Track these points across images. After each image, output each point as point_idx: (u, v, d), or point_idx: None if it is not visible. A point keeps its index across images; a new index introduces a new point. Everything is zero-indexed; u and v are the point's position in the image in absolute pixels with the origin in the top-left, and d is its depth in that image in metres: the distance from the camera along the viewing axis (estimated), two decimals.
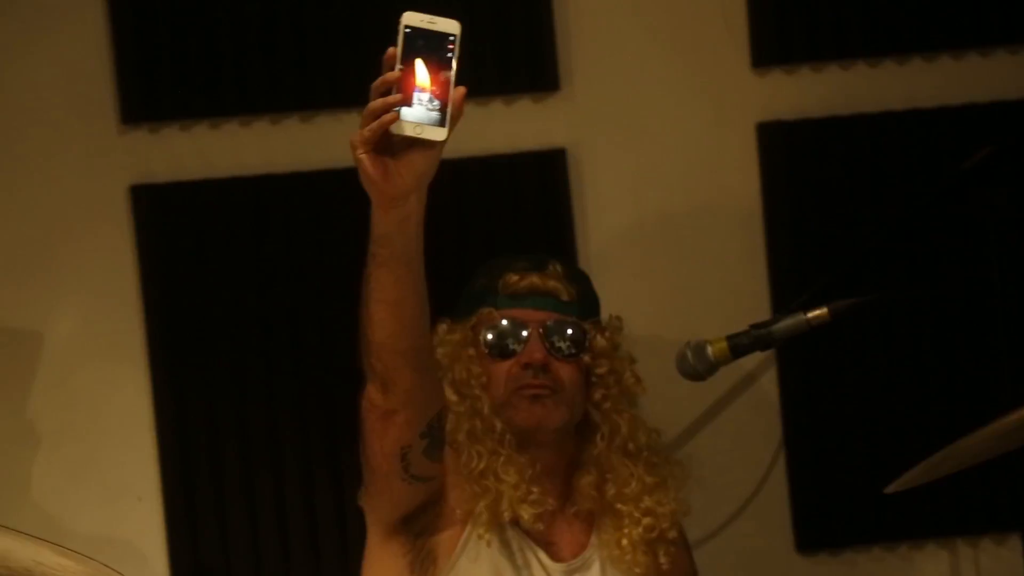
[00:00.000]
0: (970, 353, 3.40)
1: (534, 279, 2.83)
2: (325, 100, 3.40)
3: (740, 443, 3.45)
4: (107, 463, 3.35)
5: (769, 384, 3.45)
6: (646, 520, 2.81)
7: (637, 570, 2.80)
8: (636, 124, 3.46)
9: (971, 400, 3.39)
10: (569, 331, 2.82)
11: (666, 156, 3.46)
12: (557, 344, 2.81)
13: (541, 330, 2.81)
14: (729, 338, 2.73)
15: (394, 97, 2.21)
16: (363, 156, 2.29)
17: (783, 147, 3.45)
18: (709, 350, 2.74)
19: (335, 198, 3.36)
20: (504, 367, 2.82)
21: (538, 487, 2.78)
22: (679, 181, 3.46)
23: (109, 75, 3.37)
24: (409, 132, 2.21)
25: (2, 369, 3.35)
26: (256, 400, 3.36)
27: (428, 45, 2.19)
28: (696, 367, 2.76)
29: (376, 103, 2.24)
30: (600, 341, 2.85)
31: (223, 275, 3.38)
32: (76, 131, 3.37)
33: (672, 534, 2.84)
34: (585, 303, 2.87)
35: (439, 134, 2.22)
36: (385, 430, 2.64)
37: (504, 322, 2.83)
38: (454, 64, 2.19)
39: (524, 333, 2.81)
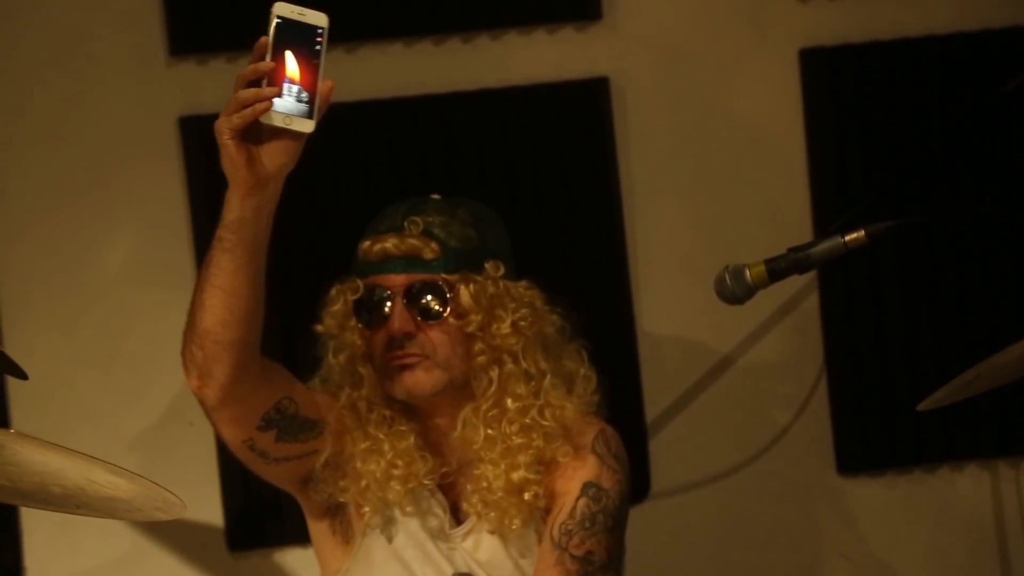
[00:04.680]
0: (1009, 273, 3.41)
1: (388, 244, 2.71)
2: (368, 32, 3.44)
3: (782, 367, 3.48)
4: (160, 388, 3.42)
5: (811, 308, 3.48)
6: (501, 480, 2.71)
7: (511, 523, 2.71)
8: (679, 51, 3.48)
9: (1012, 320, 3.40)
10: (430, 293, 2.71)
11: (708, 83, 3.48)
12: (421, 307, 2.71)
13: (403, 296, 2.71)
14: (767, 262, 2.72)
15: (270, 89, 2.23)
16: (229, 142, 2.31)
17: (825, 72, 3.46)
18: (747, 274, 2.72)
19: (379, 127, 3.41)
20: (377, 337, 2.73)
21: (406, 460, 2.71)
22: (721, 108, 3.48)
23: (158, 8, 3.42)
24: (278, 123, 2.24)
25: (58, 296, 3.41)
26: (307, 322, 3.38)
27: (298, 37, 2.22)
28: (734, 291, 2.75)
29: (247, 93, 2.26)
30: (464, 297, 2.71)
31: None
32: (127, 64, 3.43)
33: (535, 490, 2.71)
34: (455, 256, 2.71)
35: (307, 126, 2.25)
36: (217, 424, 2.66)
37: (365, 292, 2.74)
38: (322, 56, 2.22)
39: (386, 301, 2.71)
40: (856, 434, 3.47)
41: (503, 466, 2.72)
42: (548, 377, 2.76)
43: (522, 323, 2.76)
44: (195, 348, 2.59)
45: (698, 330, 3.46)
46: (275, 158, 2.34)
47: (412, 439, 2.75)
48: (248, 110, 2.26)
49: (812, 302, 3.48)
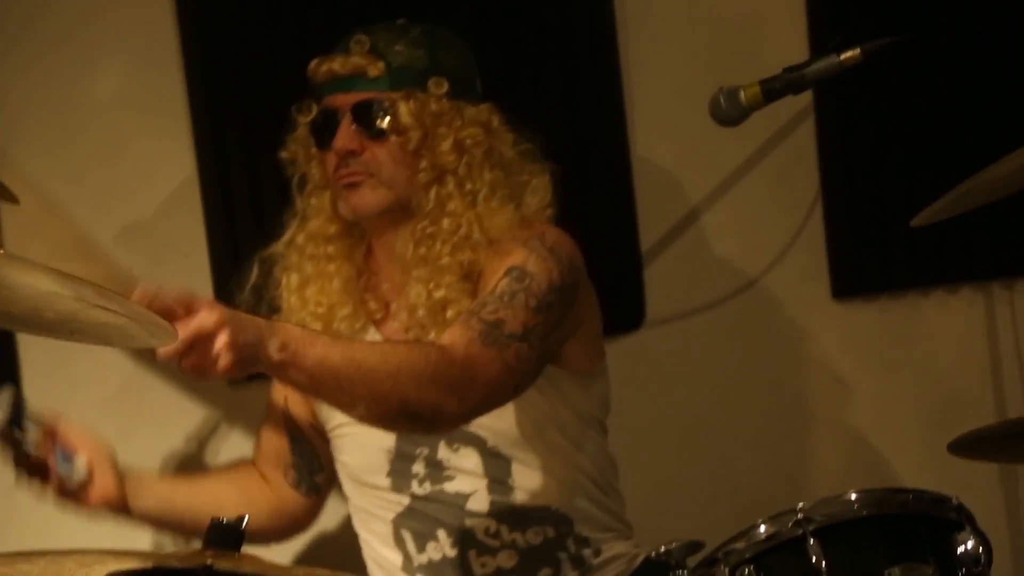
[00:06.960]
0: (1007, 93, 3.36)
1: (334, 64, 2.74)
2: None
3: (778, 191, 3.47)
4: (154, 221, 3.38)
5: (807, 133, 3.45)
6: (423, 298, 2.73)
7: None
8: None
9: (1009, 144, 3.37)
10: (373, 110, 2.72)
11: None
12: (365, 125, 2.72)
13: (350, 114, 2.72)
14: (762, 82, 2.71)
15: None
16: None
17: None
18: (742, 95, 2.71)
19: None
20: (328, 157, 2.76)
21: (331, 302, 2.78)
22: None
23: None
24: None
25: (49, 129, 3.37)
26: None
27: None
28: (729, 112, 2.74)
29: None
30: (404, 113, 2.71)
31: (261, 25, 3.34)
32: None
33: (457, 308, 2.70)
34: (399, 73, 2.73)
35: None
36: None
37: (318, 114, 2.77)
38: None
39: (334, 120, 2.74)
40: (851, 259, 3.46)
41: (431, 285, 2.72)
42: (485, 190, 2.75)
43: (468, 141, 2.75)
44: None
45: (694, 156, 3.43)
46: None
47: (336, 282, 2.79)
48: None
49: (808, 126, 3.45)
